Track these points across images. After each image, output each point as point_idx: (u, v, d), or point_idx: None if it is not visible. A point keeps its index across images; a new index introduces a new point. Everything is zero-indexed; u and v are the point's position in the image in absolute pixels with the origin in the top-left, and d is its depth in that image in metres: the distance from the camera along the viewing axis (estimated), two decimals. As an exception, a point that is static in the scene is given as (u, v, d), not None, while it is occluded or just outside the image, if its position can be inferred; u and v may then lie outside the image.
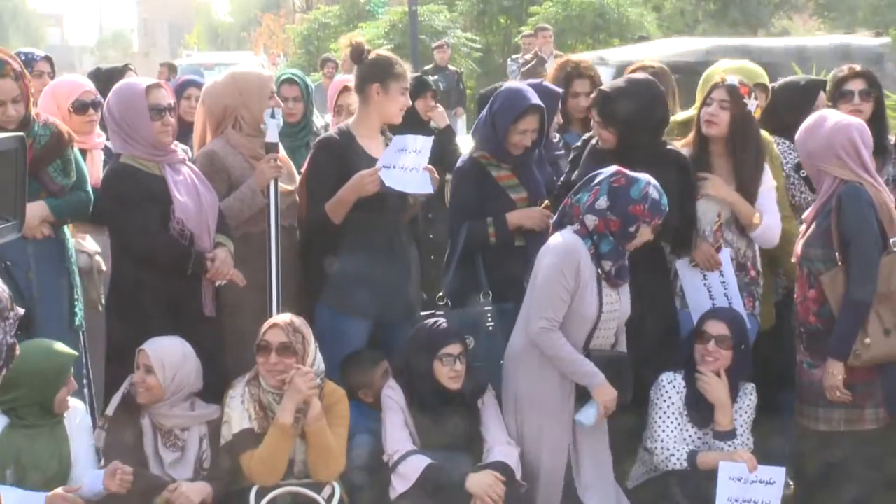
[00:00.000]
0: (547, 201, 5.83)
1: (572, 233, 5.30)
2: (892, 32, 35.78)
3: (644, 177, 5.24)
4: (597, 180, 5.31)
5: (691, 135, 6.00)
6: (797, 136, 5.42)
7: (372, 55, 5.90)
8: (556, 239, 5.33)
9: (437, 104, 8.31)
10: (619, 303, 5.38)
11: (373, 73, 5.82)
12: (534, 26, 19.94)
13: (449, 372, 5.34)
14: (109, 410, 5.20)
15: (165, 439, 5.19)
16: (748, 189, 5.80)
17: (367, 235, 5.77)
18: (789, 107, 6.27)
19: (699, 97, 6.00)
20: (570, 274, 5.22)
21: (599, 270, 5.28)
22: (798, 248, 5.40)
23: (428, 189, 5.74)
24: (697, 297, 5.79)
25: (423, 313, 5.83)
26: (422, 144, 5.71)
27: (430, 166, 5.71)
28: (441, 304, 5.80)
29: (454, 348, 5.36)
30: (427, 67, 17.41)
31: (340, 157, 5.75)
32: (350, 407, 5.48)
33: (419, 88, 8.04)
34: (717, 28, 35.87)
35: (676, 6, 35.38)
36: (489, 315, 5.75)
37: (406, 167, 5.63)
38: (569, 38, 22.59)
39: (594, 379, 5.23)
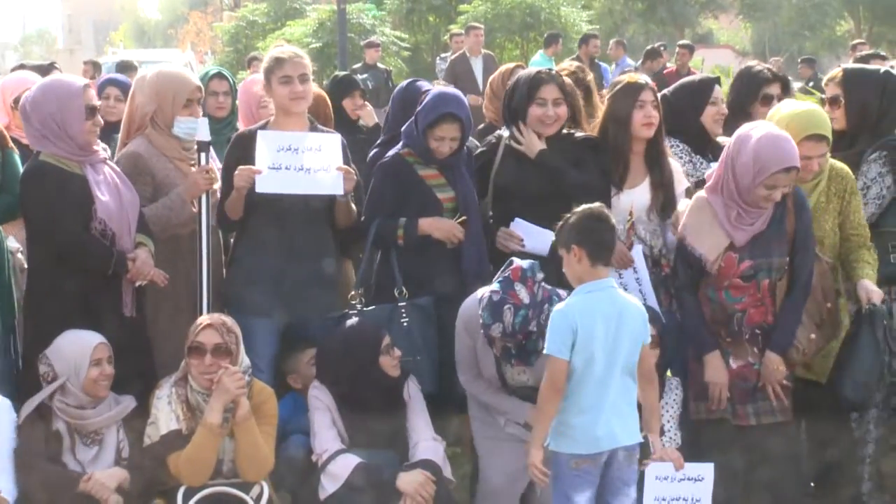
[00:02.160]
0: (464, 217, 5.76)
1: (477, 298, 5.25)
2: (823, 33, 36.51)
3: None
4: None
5: (597, 126, 6.03)
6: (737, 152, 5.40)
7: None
8: (471, 297, 5.38)
9: (366, 103, 8.29)
10: (533, 373, 5.18)
11: (264, 72, 5.82)
12: (463, 25, 19.95)
13: (391, 360, 5.39)
14: (20, 417, 5.09)
15: (82, 438, 5.13)
16: (662, 179, 5.88)
17: (261, 235, 5.71)
18: (686, 106, 6.29)
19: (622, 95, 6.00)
20: (465, 333, 5.31)
21: (494, 349, 5.23)
22: (740, 263, 5.41)
23: (336, 190, 5.62)
24: None
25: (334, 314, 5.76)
26: (319, 142, 5.64)
27: (345, 166, 5.64)
28: (354, 301, 5.74)
29: (388, 338, 5.42)
30: (356, 66, 17.35)
31: (244, 150, 5.65)
32: (287, 400, 5.47)
33: (347, 87, 8.04)
34: (646, 27, 36.30)
35: (605, 5, 35.68)
36: (403, 311, 5.71)
37: (307, 168, 5.55)
38: (498, 36, 22.63)
39: (519, 415, 5.23)
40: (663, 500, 5.19)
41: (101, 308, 5.36)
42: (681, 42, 20.38)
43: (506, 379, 5.28)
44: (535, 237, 5.60)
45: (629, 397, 4.81)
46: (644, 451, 4.98)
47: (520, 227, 5.77)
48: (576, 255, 4.77)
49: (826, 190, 5.67)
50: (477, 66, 16.27)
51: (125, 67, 14.32)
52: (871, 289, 5.50)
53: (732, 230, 5.31)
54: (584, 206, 4.86)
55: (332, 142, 5.69)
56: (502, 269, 5.11)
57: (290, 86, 5.70)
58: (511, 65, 7.45)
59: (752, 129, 5.31)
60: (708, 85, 6.39)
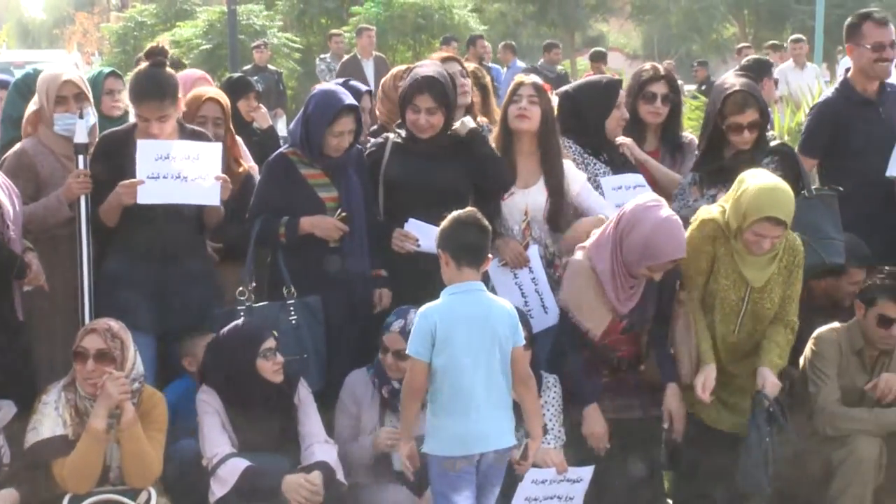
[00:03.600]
0: (344, 213, 5.76)
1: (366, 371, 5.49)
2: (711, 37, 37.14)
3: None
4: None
5: (496, 131, 6.08)
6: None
7: None
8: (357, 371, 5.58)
9: (260, 105, 8.22)
10: None
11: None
12: (355, 26, 19.91)
13: (272, 366, 5.32)
14: None
15: None
16: (554, 183, 5.93)
17: (132, 240, 5.62)
18: (591, 106, 6.33)
19: (506, 97, 6.06)
20: (350, 401, 5.54)
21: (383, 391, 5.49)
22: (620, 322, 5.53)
23: (213, 200, 5.56)
24: (510, 296, 5.84)
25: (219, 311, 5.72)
26: (198, 151, 5.56)
27: (223, 175, 5.58)
28: (242, 297, 5.70)
29: (271, 342, 5.35)
30: (246, 68, 17.22)
31: (115, 153, 5.58)
32: (178, 385, 5.50)
33: (241, 89, 7.97)
34: (537, 30, 36.57)
35: (497, 8, 35.89)
36: (291, 309, 5.70)
37: (184, 176, 5.47)
38: (390, 38, 22.63)
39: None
40: (535, 500, 5.22)
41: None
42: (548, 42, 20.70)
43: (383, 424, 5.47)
44: (429, 236, 5.61)
45: (501, 400, 4.80)
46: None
47: (414, 227, 5.78)
48: (444, 259, 4.81)
49: (779, 263, 5.69)
50: (368, 68, 16.27)
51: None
52: (767, 377, 5.48)
53: (618, 305, 5.44)
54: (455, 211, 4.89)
55: (210, 150, 5.61)
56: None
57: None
58: (402, 67, 7.44)
59: (649, 209, 5.35)
60: (614, 88, 6.46)
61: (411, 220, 5.79)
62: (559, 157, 5.99)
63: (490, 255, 4.96)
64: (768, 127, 6.37)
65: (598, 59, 18.89)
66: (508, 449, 4.85)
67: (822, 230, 5.94)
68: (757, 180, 5.44)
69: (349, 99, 5.79)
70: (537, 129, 5.94)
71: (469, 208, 4.96)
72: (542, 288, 5.88)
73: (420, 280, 5.45)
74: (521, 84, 5.99)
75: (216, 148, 5.66)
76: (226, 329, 5.44)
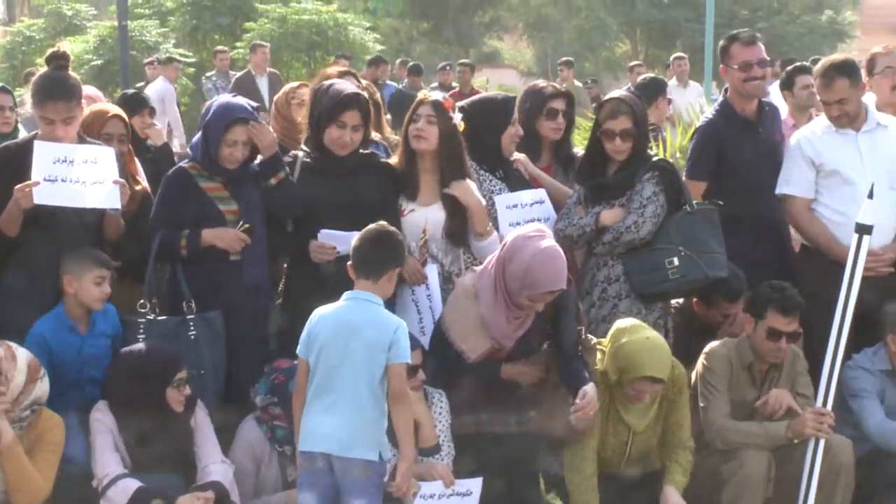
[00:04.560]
0: (247, 225, 5.76)
1: (252, 418, 5.56)
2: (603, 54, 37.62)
3: None
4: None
5: (398, 150, 6.10)
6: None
7: None
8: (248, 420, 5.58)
9: (155, 122, 8.16)
10: None
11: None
12: (249, 43, 19.78)
13: (179, 396, 5.29)
14: None
15: None
16: (453, 200, 5.94)
17: (33, 253, 5.56)
18: (487, 123, 6.32)
19: (407, 116, 6.06)
20: (245, 459, 5.52)
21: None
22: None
23: (113, 204, 5.56)
24: (406, 312, 5.86)
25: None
26: (95, 155, 5.56)
27: (121, 179, 5.58)
28: (143, 311, 5.65)
29: (184, 372, 5.32)
30: (139, 84, 17.00)
31: (12, 163, 5.51)
32: (48, 319, 5.42)
33: (136, 105, 7.89)
34: (432, 47, 36.74)
35: (391, 25, 35.96)
36: (191, 324, 5.67)
37: (83, 180, 5.44)
38: (285, 55, 22.52)
39: None
40: None
41: None
42: (461, 61, 20.70)
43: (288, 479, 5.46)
44: (344, 240, 5.60)
45: (366, 411, 4.82)
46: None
47: (327, 236, 5.80)
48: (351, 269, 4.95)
49: (660, 403, 5.77)
50: (263, 85, 16.22)
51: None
52: (670, 497, 5.57)
53: (501, 338, 5.46)
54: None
55: (106, 154, 5.60)
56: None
57: (51, 126, 5.55)
58: (295, 84, 7.45)
59: (530, 239, 5.40)
60: (509, 105, 6.48)
61: (323, 231, 5.79)
62: (461, 175, 5.98)
63: (398, 269, 5.06)
64: (650, 143, 6.48)
65: (416, 73, 18.77)
66: (366, 462, 4.81)
67: (705, 244, 6.04)
68: (635, 336, 5.52)
69: (244, 112, 5.79)
70: (436, 148, 5.95)
71: (378, 223, 5.06)
72: (436, 305, 5.90)
73: (317, 289, 5.45)
74: (421, 103, 6.00)
75: (111, 152, 5.65)
76: (142, 350, 5.40)
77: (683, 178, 6.48)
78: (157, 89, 16.12)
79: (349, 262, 4.98)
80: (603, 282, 6.15)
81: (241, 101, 5.94)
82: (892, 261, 6.32)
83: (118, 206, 5.56)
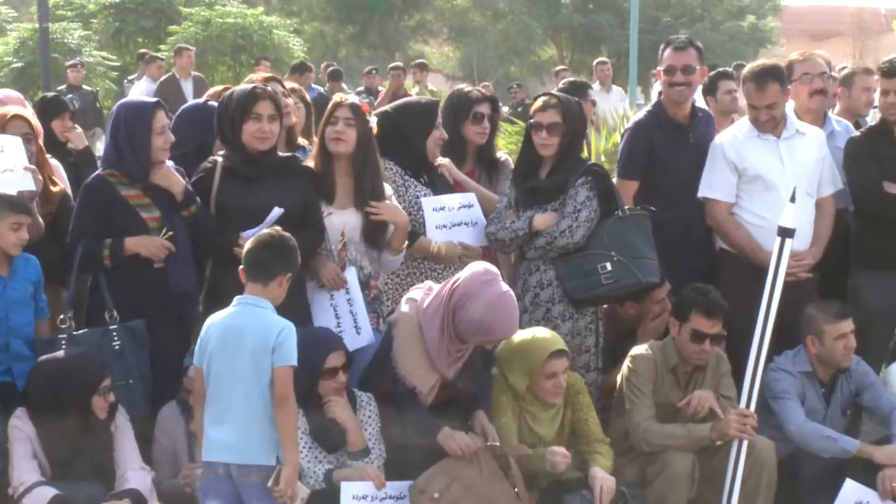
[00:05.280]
0: (171, 232, 5.70)
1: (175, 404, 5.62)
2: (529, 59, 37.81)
3: None
4: None
5: (313, 153, 6.08)
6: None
7: None
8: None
9: (76, 125, 8.06)
10: None
11: None
12: (172, 46, 19.62)
13: (102, 403, 5.26)
14: None
15: None
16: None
17: None
18: (412, 127, 6.30)
19: (324, 118, 6.04)
20: (163, 438, 5.60)
21: None
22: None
23: (28, 186, 5.64)
24: (323, 316, 5.84)
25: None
26: (2, 144, 5.65)
27: (32, 166, 5.63)
28: (63, 326, 5.58)
29: (108, 380, 5.29)
30: (60, 87, 16.79)
31: None
32: None
33: (56, 109, 7.81)
34: (357, 51, 36.70)
35: (316, 28, 35.85)
36: (115, 334, 5.61)
37: None
38: (209, 58, 22.37)
39: None
40: None
41: None
42: (393, 64, 20.66)
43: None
44: None
45: (260, 416, 4.80)
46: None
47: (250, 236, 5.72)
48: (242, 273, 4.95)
49: (563, 410, 5.86)
50: (187, 88, 16.08)
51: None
52: (597, 475, 5.58)
53: (444, 369, 5.45)
54: None
55: (13, 142, 5.65)
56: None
57: None
58: (220, 87, 7.38)
59: (484, 285, 5.35)
60: (434, 109, 6.47)
61: (242, 234, 5.71)
62: (376, 178, 5.97)
63: (289, 274, 4.99)
64: (581, 147, 6.51)
65: (335, 78, 18.69)
66: (263, 467, 4.78)
67: (637, 249, 6.08)
68: (521, 334, 5.69)
69: (153, 101, 5.82)
70: (353, 151, 5.94)
71: (274, 228, 5.08)
72: (356, 309, 5.89)
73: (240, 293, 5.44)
74: (338, 105, 5.98)
75: (17, 140, 5.68)
76: (64, 357, 5.35)
77: (614, 180, 6.52)
78: (142, 90, 15.95)
79: (240, 266, 4.94)
80: (535, 287, 6.17)
81: (140, 96, 5.98)
82: (812, 265, 6.41)
83: (33, 187, 5.62)
